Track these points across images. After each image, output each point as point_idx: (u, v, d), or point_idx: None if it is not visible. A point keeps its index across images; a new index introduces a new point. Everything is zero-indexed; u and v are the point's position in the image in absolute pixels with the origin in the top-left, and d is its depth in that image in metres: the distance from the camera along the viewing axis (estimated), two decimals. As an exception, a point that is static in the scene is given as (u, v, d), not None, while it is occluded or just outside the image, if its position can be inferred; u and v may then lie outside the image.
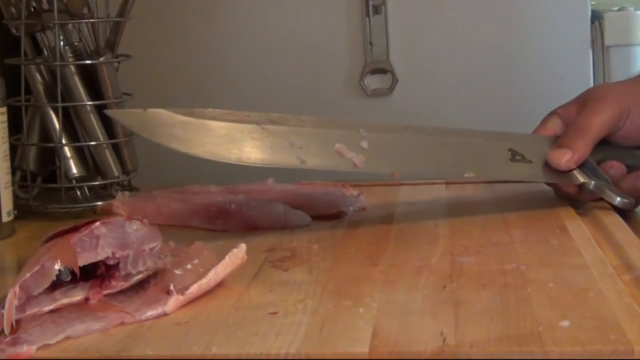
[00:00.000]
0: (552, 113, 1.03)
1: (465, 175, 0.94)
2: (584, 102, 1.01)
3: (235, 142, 0.88)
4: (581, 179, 0.97)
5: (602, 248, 0.85)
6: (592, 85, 1.28)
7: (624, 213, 0.97)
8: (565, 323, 0.66)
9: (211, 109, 0.89)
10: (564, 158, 0.97)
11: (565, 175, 0.98)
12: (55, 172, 1.08)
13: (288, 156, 0.89)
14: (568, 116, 1.01)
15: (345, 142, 0.91)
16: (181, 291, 0.72)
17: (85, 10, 1.07)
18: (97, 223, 0.72)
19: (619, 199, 0.96)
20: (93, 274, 0.72)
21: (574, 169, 0.98)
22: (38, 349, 0.65)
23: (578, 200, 0.99)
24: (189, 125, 0.87)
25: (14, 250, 0.95)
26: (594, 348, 0.62)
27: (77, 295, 0.71)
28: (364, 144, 0.91)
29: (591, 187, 0.97)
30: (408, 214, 1.02)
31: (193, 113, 0.88)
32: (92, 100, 1.07)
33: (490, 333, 0.65)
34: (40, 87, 1.07)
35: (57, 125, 1.05)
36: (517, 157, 0.96)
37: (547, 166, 0.98)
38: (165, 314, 0.71)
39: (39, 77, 1.07)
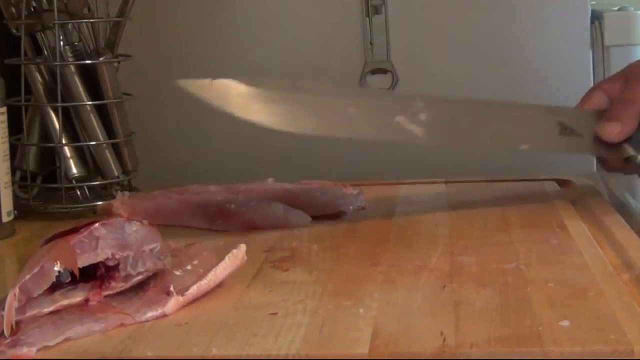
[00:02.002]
0: (596, 88, 1.02)
1: (521, 148, 0.95)
2: (628, 76, 1.01)
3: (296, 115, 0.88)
4: (630, 151, 0.97)
5: (602, 248, 0.85)
6: (592, 85, 1.28)
7: (624, 213, 0.97)
8: (565, 323, 0.66)
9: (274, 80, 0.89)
10: (615, 131, 0.97)
11: (614, 148, 0.98)
12: (55, 172, 1.08)
13: (347, 127, 0.89)
14: (612, 91, 1.01)
15: (404, 115, 0.90)
16: (181, 292, 0.72)
17: (85, 10, 1.07)
18: (97, 224, 0.72)
19: None
20: (93, 275, 0.72)
21: (624, 141, 0.98)
22: (38, 350, 0.65)
23: (625, 174, 0.99)
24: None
25: (14, 250, 0.95)
26: (594, 348, 0.62)
27: (77, 297, 0.71)
28: (423, 117, 0.91)
29: (638, 160, 0.97)
30: (408, 213, 1.02)
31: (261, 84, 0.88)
32: (92, 100, 1.07)
33: (490, 333, 0.65)
34: (40, 87, 1.07)
35: (57, 125, 1.06)
36: (567, 131, 0.96)
37: (597, 139, 0.98)
38: (165, 315, 0.71)
39: (39, 77, 1.07)
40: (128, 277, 0.73)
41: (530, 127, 0.97)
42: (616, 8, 1.33)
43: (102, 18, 1.07)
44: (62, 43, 1.05)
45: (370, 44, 1.27)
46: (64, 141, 1.06)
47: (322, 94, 0.89)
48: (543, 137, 0.97)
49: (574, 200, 1.03)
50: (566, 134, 0.96)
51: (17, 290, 0.67)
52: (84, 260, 0.71)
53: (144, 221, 0.75)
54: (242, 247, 0.78)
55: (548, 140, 0.97)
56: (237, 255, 0.77)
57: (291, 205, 0.98)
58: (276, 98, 0.88)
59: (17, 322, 0.67)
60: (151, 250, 0.74)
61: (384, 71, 1.28)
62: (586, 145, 0.98)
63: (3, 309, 0.66)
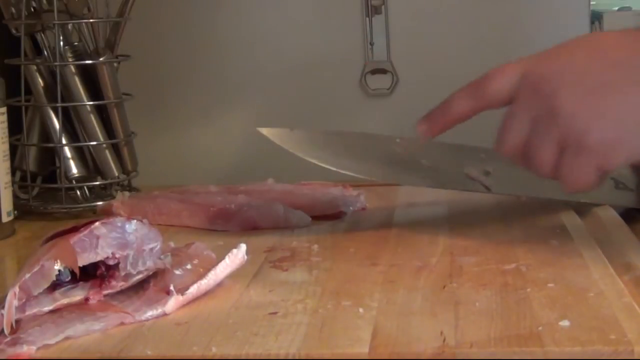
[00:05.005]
0: None
1: (581, 201, 0.96)
2: None
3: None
4: None
5: (602, 248, 0.85)
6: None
7: (624, 213, 0.97)
8: (565, 323, 0.66)
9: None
10: None
11: None
12: (55, 172, 1.08)
13: (423, 177, 0.94)
14: None
15: (472, 166, 0.94)
16: (181, 291, 0.73)
17: (85, 11, 1.07)
18: (97, 223, 0.72)
19: None
20: (93, 274, 0.72)
21: None
22: (38, 349, 0.65)
23: None
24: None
25: (14, 250, 0.95)
26: (594, 348, 0.62)
27: (77, 296, 0.71)
28: (489, 168, 0.93)
29: None
30: (408, 213, 1.02)
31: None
32: (92, 101, 1.07)
33: (490, 333, 0.65)
34: (40, 87, 1.07)
35: (57, 125, 1.06)
36: (620, 186, 0.97)
37: None
38: (165, 314, 0.71)
39: (39, 77, 1.07)
40: (128, 276, 0.73)
41: None
42: (616, 8, 1.33)
43: (102, 18, 1.07)
44: (62, 43, 1.05)
45: (370, 44, 1.27)
46: (64, 141, 1.06)
47: (392, 144, 0.94)
48: (600, 191, 0.97)
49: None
50: (620, 188, 0.97)
51: (17, 288, 0.67)
52: (84, 259, 0.71)
53: (144, 220, 0.75)
54: (242, 246, 0.78)
55: (606, 194, 0.97)
56: (237, 255, 0.77)
57: (291, 205, 0.98)
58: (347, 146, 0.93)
59: (17, 321, 0.67)
60: (151, 249, 0.74)
61: (384, 71, 1.28)
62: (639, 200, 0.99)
63: (3, 307, 0.66)
